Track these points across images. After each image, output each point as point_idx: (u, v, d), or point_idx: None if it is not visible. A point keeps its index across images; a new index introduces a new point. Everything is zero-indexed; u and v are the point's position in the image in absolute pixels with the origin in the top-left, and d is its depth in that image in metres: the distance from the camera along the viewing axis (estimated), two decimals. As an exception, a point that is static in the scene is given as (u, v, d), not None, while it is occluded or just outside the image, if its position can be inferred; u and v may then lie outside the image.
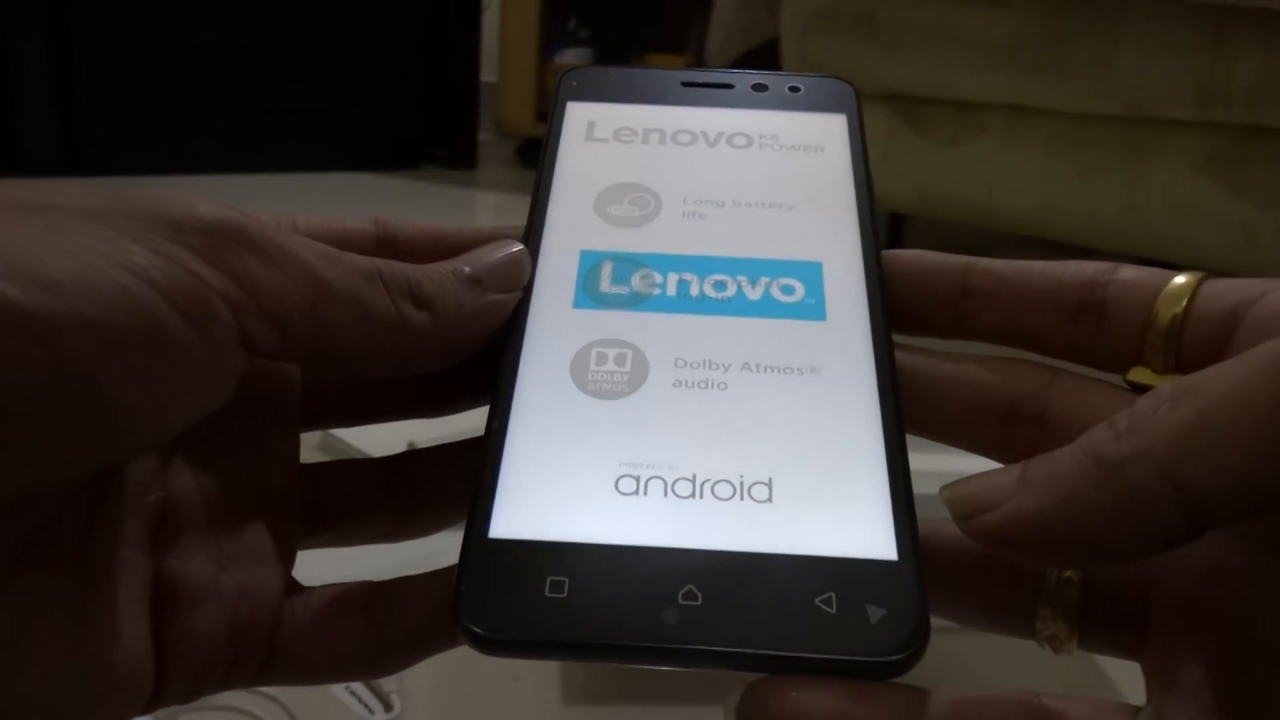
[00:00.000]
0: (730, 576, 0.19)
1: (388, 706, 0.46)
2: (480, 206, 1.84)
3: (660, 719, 0.46)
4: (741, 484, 0.21)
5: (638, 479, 0.21)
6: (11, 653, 0.18)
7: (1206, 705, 0.18)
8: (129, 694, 0.19)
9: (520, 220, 0.26)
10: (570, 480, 0.21)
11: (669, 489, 0.21)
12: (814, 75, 0.30)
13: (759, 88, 0.29)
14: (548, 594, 0.19)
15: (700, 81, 0.29)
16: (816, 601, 0.19)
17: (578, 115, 0.29)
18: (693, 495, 0.20)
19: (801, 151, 0.28)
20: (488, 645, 0.18)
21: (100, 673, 0.19)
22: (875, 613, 0.18)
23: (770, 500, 0.20)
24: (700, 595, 0.19)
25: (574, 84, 0.29)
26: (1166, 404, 0.17)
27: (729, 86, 0.29)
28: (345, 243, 0.24)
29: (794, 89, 0.29)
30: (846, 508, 0.20)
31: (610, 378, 0.23)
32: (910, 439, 0.23)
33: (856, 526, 0.20)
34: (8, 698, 0.18)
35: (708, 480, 0.21)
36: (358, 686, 0.46)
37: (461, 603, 0.19)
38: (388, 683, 0.46)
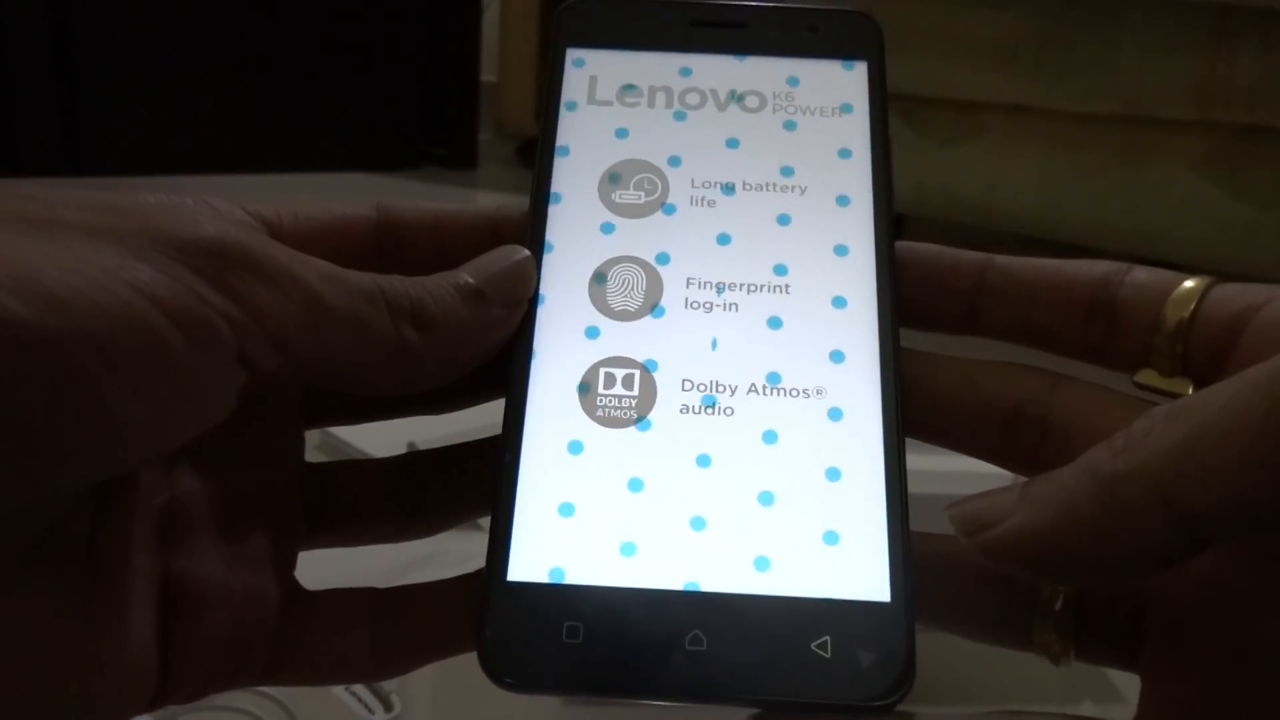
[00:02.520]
0: (732, 622, 0.20)
1: (388, 707, 0.46)
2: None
3: (660, 719, 0.46)
4: (745, 524, 0.21)
5: (645, 520, 0.21)
6: (16, 652, 0.18)
7: (1196, 717, 0.18)
8: (132, 693, 0.19)
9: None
10: (581, 521, 0.21)
11: (675, 530, 0.21)
12: (834, 9, 0.27)
13: (773, 27, 0.27)
14: (565, 639, 0.20)
15: (710, 20, 0.27)
16: (812, 646, 0.20)
17: (578, 68, 0.27)
18: (697, 536, 0.21)
19: (817, 116, 0.26)
20: (513, 688, 0.20)
21: (104, 672, 0.19)
22: (866, 657, 0.20)
23: (772, 541, 0.21)
24: (705, 641, 0.20)
25: (573, 25, 0.27)
26: (1161, 422, 0.17)
27: (741, 26, 0.27)
28: (347, 230, 0.24)
29: (812, 28, 0.27)
30: (845, 550, 0.21)
31: (619, 403, 0.23)
32: (911, 442, 0.23)
33: (854, 569, 0.21)
34: (12, 695, 0.18)
35: (712, 520, 0.21)
36: (358, 686, 0.46)
37: (487, 648, 0.20)
38: (388, 683, 0.46)
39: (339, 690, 0.46)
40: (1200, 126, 1.06)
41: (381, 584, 0.23)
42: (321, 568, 0.25)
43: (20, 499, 0.17)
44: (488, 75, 2.02)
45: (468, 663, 0.20)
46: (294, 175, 1.79)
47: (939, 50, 1.17)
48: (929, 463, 0.27)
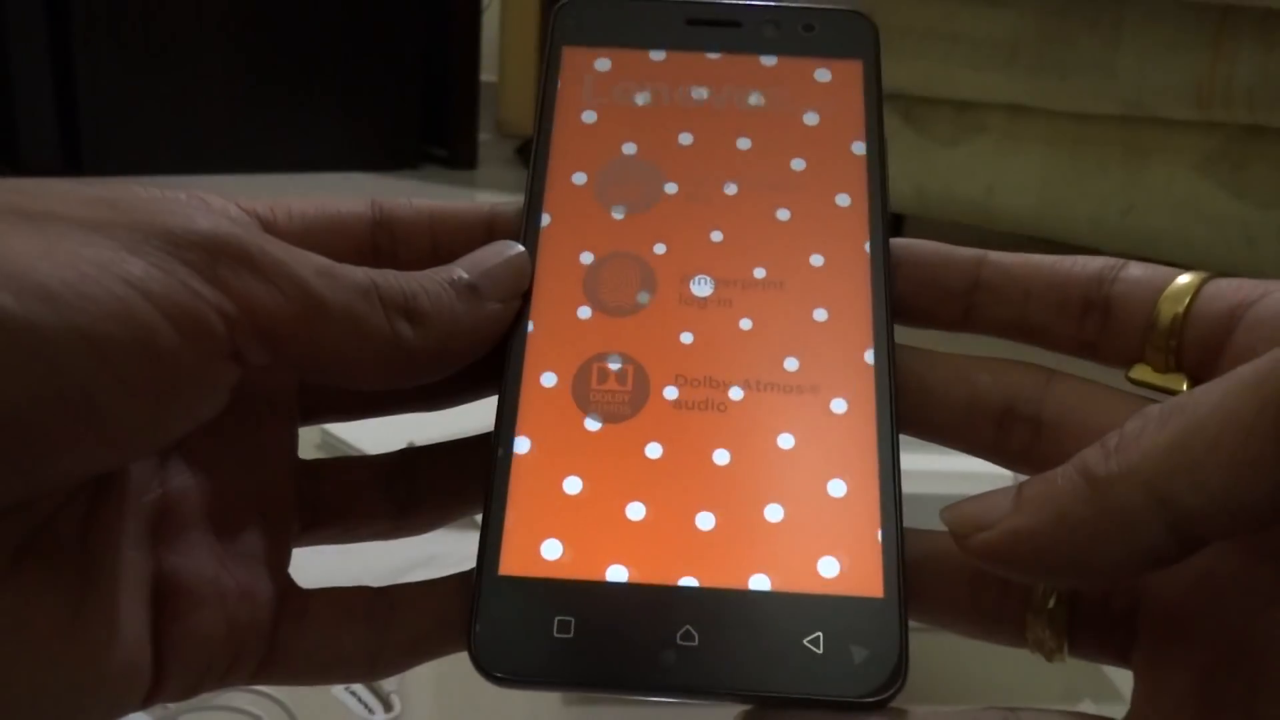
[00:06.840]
0: (725, 617, 0.20)
1: (388, 707, 0.46)
2: (480, 207, 1.83)
3: (660, 719, 0.46)
4: (737, 521, 0.21)
5: (638, 514, 0.21)
6: (8, 649, 0.18)
7: (1190, 712, 0.18)
8: (125, 690, 0.19)
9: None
10: (573, 516, 0.21)
11: (667, 525, 0.21)
12: (830, 9, 0.27)
13: (769, 26, 0.27)
14: (556, 634, 0.20)
15: (706, 19, 0.27)
16: (804, 642, 0.20)
17: (574, 66, 0.27)
18: (689, 531, 0.21)
19: (813, 114, 0.26)
20: (503, 683, 0.20)
21: (97, 668, 0.19)
22: (859, 653, 0.20)
23: (764, 537, 0.21)
24: (697, 637, 0.20)
25: (569, 23, 0.27)
26: (1154, 422, 0.17)
27: (737, 25, 0.27)
28: (341, 228, 0.24)
29: (808, 27, 0.27)
30: (838, 546, 0.21)
31: (612, 398, 0.23)
32: (906, 439, 0.23)
33: (847, 565, 0.21)
34: (3, 693, 0.18)
35: (705, 517, 0.21)
36: (358, 686, 0.46)
37: (477, 642, 0.20)
38: (388, 683, 0.46)
39: (339, 690, 0.46)
40: (1200, 126, 1.06)
41: (380, 585, 0.23)
42: (322, 570, 0.25)
43: (10, 495, 0.17)
44: (488, 75, 2.02)
45: (468, 664, 0.20)
46: (294, 175, 1.80)
47: (939, 50, 1.17)
48: (924, 461, 0.27)
